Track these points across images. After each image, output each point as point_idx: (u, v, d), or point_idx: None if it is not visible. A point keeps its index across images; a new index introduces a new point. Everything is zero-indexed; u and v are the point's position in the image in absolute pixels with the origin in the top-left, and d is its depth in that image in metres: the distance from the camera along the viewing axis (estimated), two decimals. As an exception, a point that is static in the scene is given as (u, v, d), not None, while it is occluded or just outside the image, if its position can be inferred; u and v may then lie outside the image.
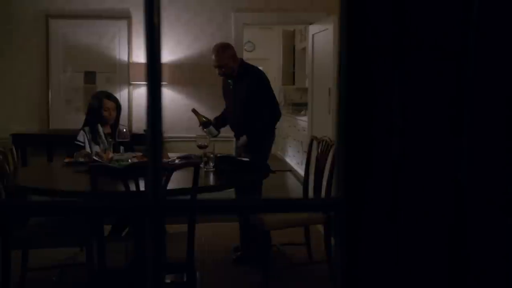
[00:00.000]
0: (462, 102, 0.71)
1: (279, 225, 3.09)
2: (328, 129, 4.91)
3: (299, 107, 8.21)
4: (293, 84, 8.51)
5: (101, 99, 3.72)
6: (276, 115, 3.54)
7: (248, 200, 0.72)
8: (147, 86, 0.60)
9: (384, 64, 0.73)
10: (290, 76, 8.59)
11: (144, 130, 4.98)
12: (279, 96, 9.10)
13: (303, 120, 6.81)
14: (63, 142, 4.66)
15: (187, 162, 2.24)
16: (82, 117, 3.92)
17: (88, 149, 3.51)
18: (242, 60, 3.68)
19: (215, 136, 3.57)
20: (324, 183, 3.21)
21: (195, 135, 3.79)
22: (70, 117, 5.04)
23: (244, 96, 3.47)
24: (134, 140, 3.94)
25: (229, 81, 3.64)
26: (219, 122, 3.68)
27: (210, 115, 5.08)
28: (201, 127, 3.57)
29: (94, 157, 2.85)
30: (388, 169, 0.75)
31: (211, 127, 3.54)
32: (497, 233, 0.77)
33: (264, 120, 3.47)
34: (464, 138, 0.72)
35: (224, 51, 3.49)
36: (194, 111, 3.69)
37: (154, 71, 0.59)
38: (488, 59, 0.70)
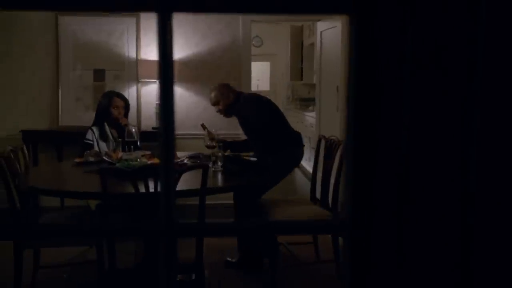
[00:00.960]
0: (471, 107, 0.72)
1: (286, 224, 3.11)
2: (336, 126, 4.92)
3: (307, 102, 8.20)
4: (301, 79, 8.50)
5: (112, 97, 3.78)
6: (267, 141, 3.40)
7: (257, 222, 0.74)
8: (160, 117, 0.61)
9: (393, 75, 0.74)
10: (298, 71, 8.57)
11: (153, 128, 5.01)
12: (287, 91, 9.09)
13: (311, 116, 6.80)
14: (73, 139, 4.71)
15: (197, 164, 2.26)
16: (91, 115, 3.95)
17: (96, 148, 3.55)
18: (239, 93, 3.63)
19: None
20: (332, 180, 3.22)
21: (203, 133, 3.81)
22: (79, 114, 5.08)
23: (244, 128, 3.52)
24: (142, 137, 3.98)
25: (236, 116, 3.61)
26: (234, 146, 3.64)
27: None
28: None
29: (104, 157, 2.88)
30: (394, 190, 0.76)
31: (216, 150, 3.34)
32: (504, 245, 0.78)
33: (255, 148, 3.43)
34: (472, 145, 0.73)
35: (212, 92, 3.64)
36: (203, 126, 3.63)
37: (167, 106, 0.60)
38: (496, 63, 0.71)
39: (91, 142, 3.62)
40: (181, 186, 2.33)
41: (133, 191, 2.26)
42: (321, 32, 5.36)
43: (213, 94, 3.60)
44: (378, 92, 0.75)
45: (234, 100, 3.52)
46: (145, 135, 4.50)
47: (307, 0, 0.67)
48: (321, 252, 3.54)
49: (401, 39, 0.72)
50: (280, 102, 9.28)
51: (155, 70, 4.92)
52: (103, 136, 3.68)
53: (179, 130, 5.06)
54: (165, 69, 0.67)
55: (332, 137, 3.37)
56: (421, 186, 0.77)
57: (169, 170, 0.67)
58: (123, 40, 5.10)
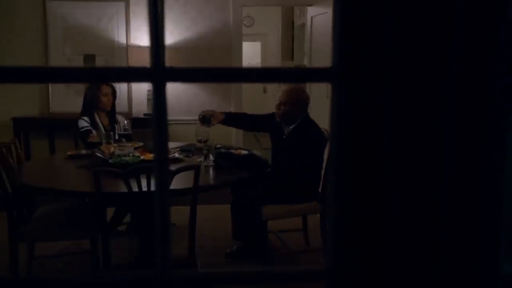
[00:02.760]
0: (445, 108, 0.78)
1: (276, 215, 3.18)
2: (325, 112, 4.96)
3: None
4: (292, 60, 8.49)
5: (99, 84, 3.79)
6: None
7: (251, 273, 0.80)
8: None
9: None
10: (289, 51, 8.55)
11: (144, 114, 5.03)
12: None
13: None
14: (64, 125, 4.72)
15: (189, 165, 2.31)
16: (81, 101, 3.92)
17: (94, 133, 3.60)
18: (308, 114, 3.31)
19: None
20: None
21: (194, 119, 3.82)
22: (70, 100, 5.07)
23: (295, 151, 3.13)
24: (133, 124, 4.00)
25: (286, 128, 3.27)
26: (233, 118, 3.50)
27: (208, 97, 5.13)
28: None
29: (97, 153, 2.91)
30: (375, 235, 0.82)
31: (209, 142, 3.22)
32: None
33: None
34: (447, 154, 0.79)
35: (288, 89, 3.26)
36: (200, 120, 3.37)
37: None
38: (468, 66, 0.76)
39: (89, 127, 3.65)
40: (173, 185, 2.38)
41: (126, 190, 2.31)
42: (311, 17, 5.35)
43: (288, 93, 3.23)
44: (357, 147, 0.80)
45: (300, 113, 3.20)
46: (137, 122, 4.53)
47: (292, 70, 0.71)
48: (311, 239, 3.64)
49: (379, 102, 0.77)
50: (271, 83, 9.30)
51: (145, 56, 4.90)
52: (94, 125, 3.70)
53: (169, 116, 5.07)
54: (160, 130, 0.71)
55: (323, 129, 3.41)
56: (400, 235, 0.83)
57: (164, 227, 0.72)
58: (112, 24, 5.06)
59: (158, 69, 0.69)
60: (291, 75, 0.69)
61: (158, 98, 0.70)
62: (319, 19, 5.16)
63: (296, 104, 3.18)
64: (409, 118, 0.78)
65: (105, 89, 3.76)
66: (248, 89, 7.79)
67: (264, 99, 9.27)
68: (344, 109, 0.74)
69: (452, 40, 0.73)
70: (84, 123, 3.66)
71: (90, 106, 3.74)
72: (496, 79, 0.76)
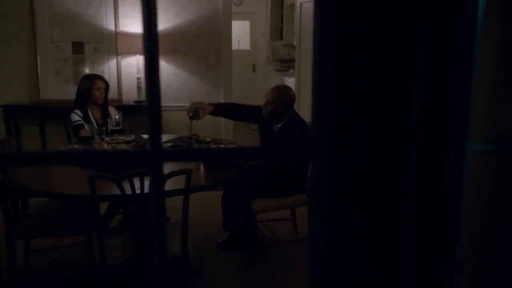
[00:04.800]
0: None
1: (266, 209, 3.28)
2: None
3: (287, 63, 8.22)
4: (281, 39, 8.46)
5: (93, 78, 3.81)
6: None
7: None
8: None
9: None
10: (278, 31, 8.52)
11: (134, 101, 5.05)
12: (267, 51, 9.07)
13: (291, 84, 6.86)
14: (54, 112, 4.75)
15: (180, 170, 2.38)
16: (71, 88, 3.94)
17: (86, 127, 3.64)
18: (296, 113, 3.37)
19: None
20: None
21: (185, 106, 3.86)
22: (60, 87, 5.08)
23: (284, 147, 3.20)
24: (124, 112, 4.03)
25: (274, 126, 3.35)
26: (222, 109, 3.55)
27: (199, 81, 5.16)
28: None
29: (90, 152, 2.97)
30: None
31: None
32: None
33: None
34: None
35: (275, 90, 3.31)
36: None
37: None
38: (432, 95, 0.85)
39: (81, 122, 3.69)
40: (165, 186, 2.45)
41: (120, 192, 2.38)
42: (301, 4, 5.35)
43: (274, 92, 3.30)
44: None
45: (287, 112, 3.25)
46: (127, 109, 4.55)
47: (277, 151, 0.78)
48: (299, 228, 3.76)
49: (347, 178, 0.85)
50: (260, 62, 9.28)
51: (133, 44, 4.90)
52: (86, 119, 3.73)
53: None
54: (157, 205, 0.79)
55: (309, 122, 3.48)
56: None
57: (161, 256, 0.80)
58: (101, 11, 5.03)
59: (156, 152, 0.77)
60: (276, 154, 0.77)
61: (156, 175, 0.78)
62: (309, 5, 5.16)
63: (282, 103, 3.24)
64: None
65: (99, 83, 3.77)
66: (238, 68, 7.81)
67: (253, 78, 9.30)
68: (324, 182, 0.82)
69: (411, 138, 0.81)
70: (76, 117, 3.69)
71: (83, 99, 3.75)
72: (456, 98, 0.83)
